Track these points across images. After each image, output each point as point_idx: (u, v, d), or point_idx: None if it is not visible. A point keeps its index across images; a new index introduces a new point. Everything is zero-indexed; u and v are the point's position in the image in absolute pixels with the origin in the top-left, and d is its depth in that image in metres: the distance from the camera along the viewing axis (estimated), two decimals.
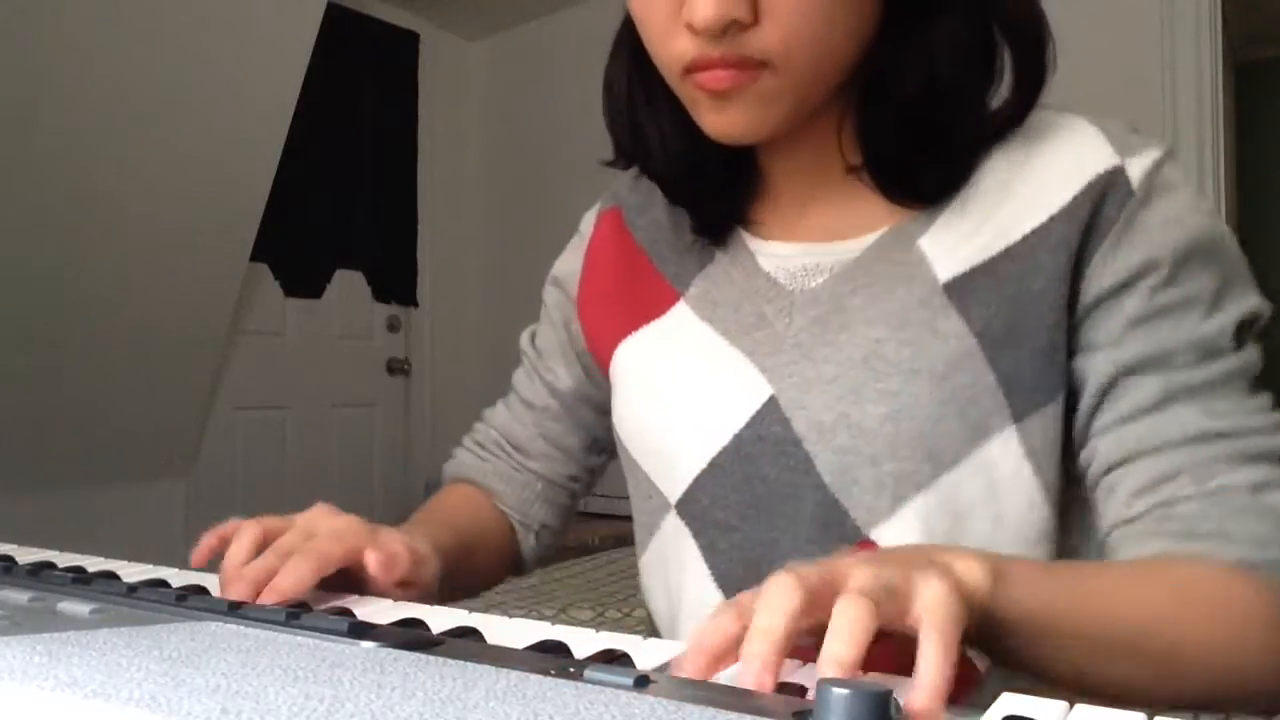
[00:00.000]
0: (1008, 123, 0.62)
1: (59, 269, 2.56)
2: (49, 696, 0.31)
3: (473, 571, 0.75)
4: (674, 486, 0.68)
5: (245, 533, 0.57)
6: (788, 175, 0.68)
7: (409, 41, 3.87)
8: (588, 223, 0.82)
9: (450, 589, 0.69)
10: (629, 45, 0.67)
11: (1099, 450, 0.59)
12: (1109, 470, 0.58)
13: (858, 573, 0.39)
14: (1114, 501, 0.57)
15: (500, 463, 0.84)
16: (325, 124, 3.40)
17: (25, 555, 0.64)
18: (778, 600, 0.37)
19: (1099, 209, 0.58)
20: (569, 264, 0.82)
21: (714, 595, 0.66)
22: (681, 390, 0.68)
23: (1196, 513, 0.54)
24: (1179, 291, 0.57)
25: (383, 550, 0.57)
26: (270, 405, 3.39)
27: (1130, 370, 0.57)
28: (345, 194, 3.62)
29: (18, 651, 0.37)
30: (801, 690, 0.38)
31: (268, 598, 0.52)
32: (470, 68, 4.12)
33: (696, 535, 0.67)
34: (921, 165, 0.62)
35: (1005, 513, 0.60)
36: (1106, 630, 0.49)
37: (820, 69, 0.58)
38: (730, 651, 0.38)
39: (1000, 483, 0.59)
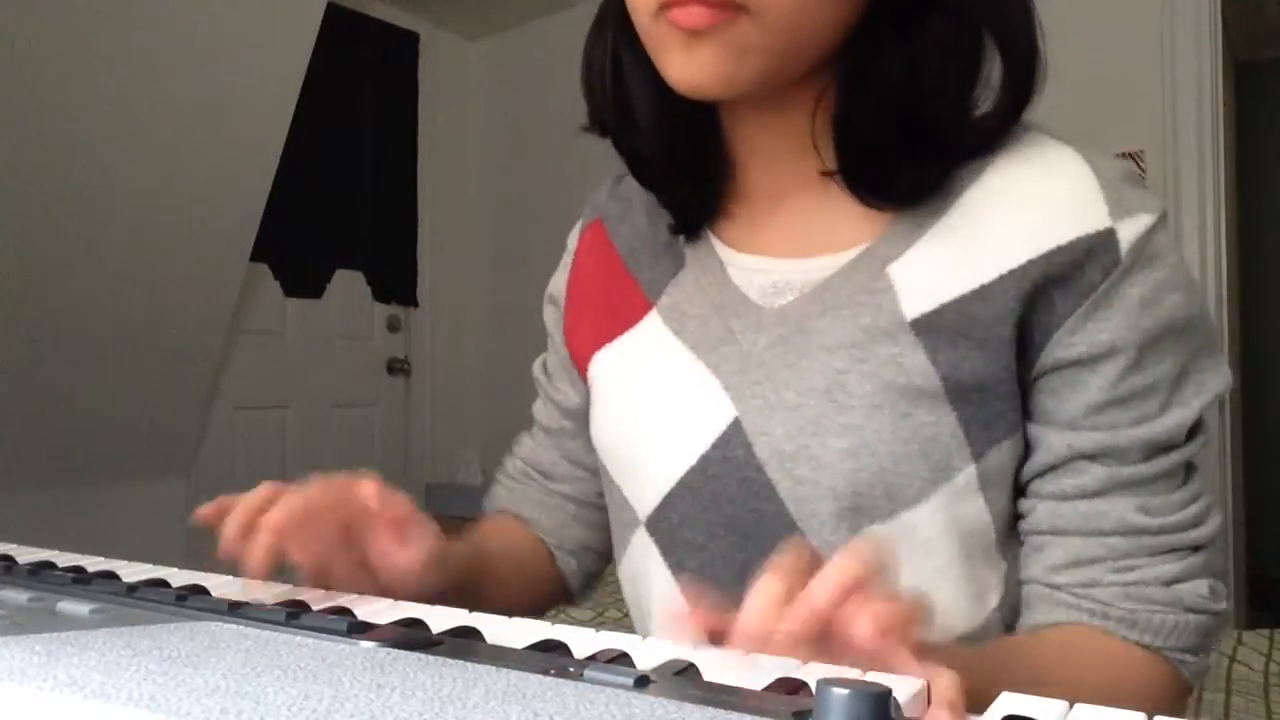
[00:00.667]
0: (988, 134, 0.60)
1: (59, 268, 2.56)
2: (49, 696, 0.31)
3: (501, 585, 0.74)
4: (644, 504, 0.68)
5: (259, 489, 0.59)
6: (760, 168, 0.67)
7: (409, 41, 3.87)
8: (573, 238, 0.82)
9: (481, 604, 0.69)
10: (614, 12, 0.65)
11: (1036, 510, 0.61)
12: (1040, 533, 0.61)
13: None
14: (1038, 562, 0.61)
15: (530, 489, 0.83)
16: (325, 124, 3.39)
17: (25, 555, 0.63)
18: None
19: (1082, 269, 0.57)
20: (558, 281, 0.82)
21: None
22: (651, 406, 0.68)
23: (1112, 598, 0.58)
24: (1142, 379, 0.58)
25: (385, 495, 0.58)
26: (270, 405, 3.39)
27: (1082, 455, 0.59)
28: (345, 194, 3.61)
29: (18, 651, 0.36)
30: (802, 690, 0.38)
31: (263, 536, 0.54)
32: (470, 68, 4.11)
33: (665, 554, 0.67)
34: (896, 164, 0.60)
35: (960, 546, 0.60)
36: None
37: (800, 28, 0.55)
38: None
39: (958, 519, 0.60)
